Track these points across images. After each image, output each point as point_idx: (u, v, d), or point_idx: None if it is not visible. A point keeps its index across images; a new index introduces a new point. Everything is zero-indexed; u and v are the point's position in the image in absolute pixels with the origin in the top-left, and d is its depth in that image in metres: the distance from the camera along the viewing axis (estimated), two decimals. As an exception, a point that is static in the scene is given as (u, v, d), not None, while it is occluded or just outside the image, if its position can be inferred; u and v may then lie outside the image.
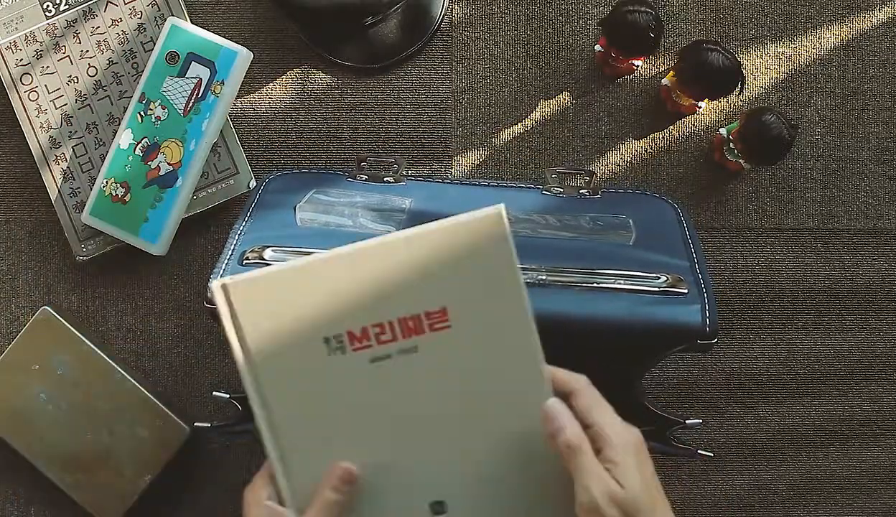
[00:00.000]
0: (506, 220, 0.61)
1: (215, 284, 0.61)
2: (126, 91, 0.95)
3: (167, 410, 0.93)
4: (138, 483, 0.93)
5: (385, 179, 0.91)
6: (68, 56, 0.95)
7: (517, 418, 0.63)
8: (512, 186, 0.92)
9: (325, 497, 0.61)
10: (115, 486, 0.93)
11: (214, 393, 0.82)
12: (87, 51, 0.95)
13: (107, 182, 0.93)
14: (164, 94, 0.93)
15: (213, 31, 0.95)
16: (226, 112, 0.93)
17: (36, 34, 0.95)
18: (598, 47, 0.97)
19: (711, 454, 0.85)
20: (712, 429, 0.97)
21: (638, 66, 0.97)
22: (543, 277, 0.77)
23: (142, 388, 0.92)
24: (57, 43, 0.95)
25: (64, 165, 0.95)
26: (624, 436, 0.61)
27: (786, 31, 0.98)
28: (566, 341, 0.69)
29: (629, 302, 0.75)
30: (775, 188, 0.98)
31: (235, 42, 0.93)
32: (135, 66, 0.95)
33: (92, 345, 0.93)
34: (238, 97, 0.98)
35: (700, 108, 0.97)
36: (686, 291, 0.76)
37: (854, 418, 0.97)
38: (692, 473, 0.97)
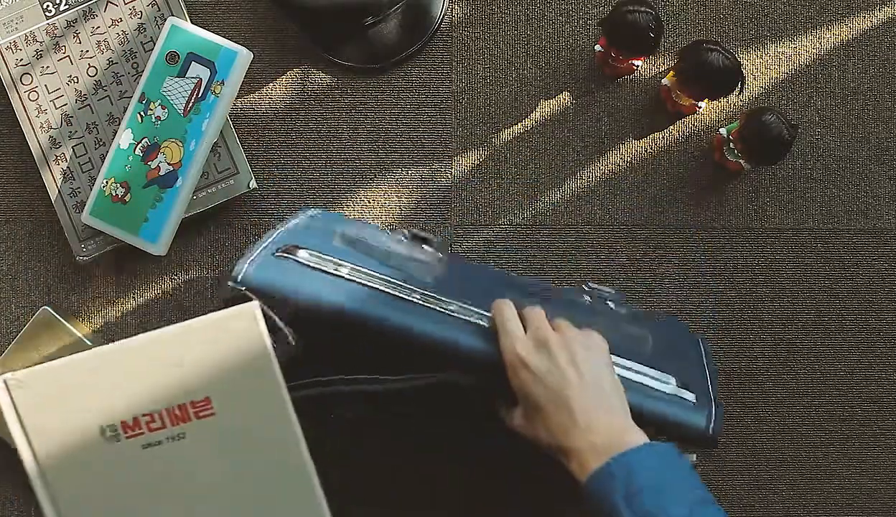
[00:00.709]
0: (259, 318, 0.69)
1: None
2: (126, 91, 0.95)
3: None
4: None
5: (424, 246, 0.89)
6: (68, 56, 0.95)
7: (282, 498, 0.72)
8: (536, 283, 0.93)
9: None
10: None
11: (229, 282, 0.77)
12: (87, 51, 0.95)
13: (107, 182, 0.93)
14: (164, 94, 0.93)
15: (213, 31, 0.95)
16: (226, 112, 0.93)
17: (36, 34, 0.95)
18: (598, 47, 0.97)
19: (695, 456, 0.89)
20: (712, 429, 0.97)
21: (638, 66, 0.97)
22: None
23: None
24: (57, 43, 0.95)
25: (64, 165, 0.95)
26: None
27: (786, 31, 0.98)
28: None
29: (640, 394, 0.76)
30: (775, 188, 0.98)
31: (235, 42, 0.93)
32: (135, 66, 0.95)
33: (92, 346, 0.93)
34: (238, 97, 0.98)
35: (700, 108, 0.97)
36: (695, 400, 0.77)
37: (854, 418, 0.97)
38: (692, 473, 0.97)
